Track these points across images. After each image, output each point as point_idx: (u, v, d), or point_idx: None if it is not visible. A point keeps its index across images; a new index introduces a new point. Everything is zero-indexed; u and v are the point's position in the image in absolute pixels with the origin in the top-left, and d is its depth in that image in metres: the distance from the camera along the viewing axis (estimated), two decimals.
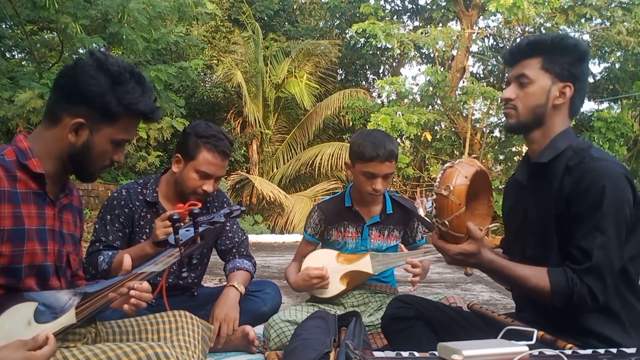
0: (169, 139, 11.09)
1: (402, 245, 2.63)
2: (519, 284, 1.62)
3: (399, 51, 11.68)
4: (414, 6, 14.85)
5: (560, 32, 11.69)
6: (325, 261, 2.53)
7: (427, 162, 12.28)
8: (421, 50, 13.20)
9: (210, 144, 2.30)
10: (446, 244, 1.61)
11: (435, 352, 1.36)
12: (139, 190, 2.40)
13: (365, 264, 2.48)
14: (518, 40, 12.48)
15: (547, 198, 1.65)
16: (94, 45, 7.83)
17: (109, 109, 1.46)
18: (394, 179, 12.40)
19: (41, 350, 1.23)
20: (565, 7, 11.04)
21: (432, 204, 1.58)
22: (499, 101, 11.22)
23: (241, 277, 2.44)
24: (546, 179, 1.67)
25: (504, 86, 12.73)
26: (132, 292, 1.53)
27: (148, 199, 2.37)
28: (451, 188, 1.52)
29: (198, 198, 2.33)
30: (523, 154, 1.84)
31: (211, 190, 2.34)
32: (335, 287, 2.49)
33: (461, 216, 1.54)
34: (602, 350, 1.43)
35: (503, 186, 11.82)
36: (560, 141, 1.67)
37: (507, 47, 12.91)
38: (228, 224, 2.56)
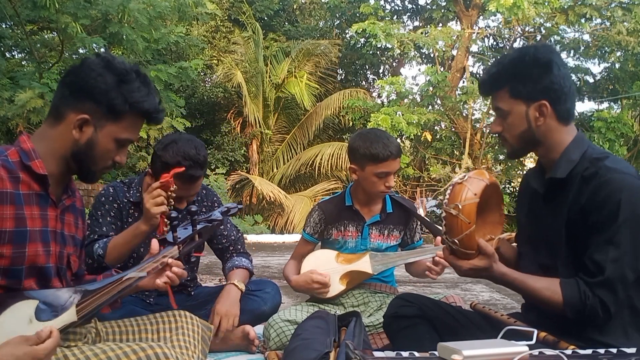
0: None
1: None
2: (532, 295, 1.62)
3: (399, 51, 11.67)
4: (414, 6, 14.85)
5: (560, 32, 11.72)
6: (324, 261, 2.53)
7: (427, 162, 12.27)
8: (421, 50, 13.19)
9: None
10: (458, 259, 1.60)
11: (436, 352, 1.36)
12: (125, 189, 2.42)
13: (364, 264, 2.48)
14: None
15: (561, 208, 1.63)
16: (94, 45, 7.84)
17: (114, 106, 1.46)
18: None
19: (43, 344, 1.22)
20: (565, 7, 11.04)
21: (443, 222, 1.56)
22: None
23: (240, 275, 2.46)
24: (562, 189, 1.65)
25: None
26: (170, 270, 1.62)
27: (132, 200, 2.39)
28: (460, 207, 1.51)
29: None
30: (536, 162, 1.82)
31: (184, 205, 2.35)
32: (335, 287, 2.50)
33: (471, 234, 1.53)
34: (602, 351, 1.43)
35: (503, 186, 11.85)
36: (573, 152, 1.64)
37: (506, 48, 12.92)
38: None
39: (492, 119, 12.37)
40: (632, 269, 1.53)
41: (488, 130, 12.07)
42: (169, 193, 2.05)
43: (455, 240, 1.55)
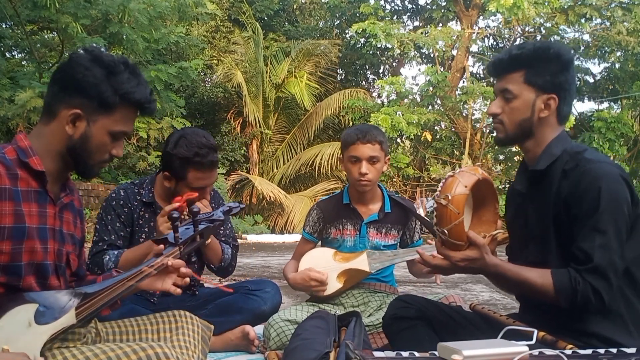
0: None
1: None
2: (524, 286, 1.63)
3: (399, 51, 11.70)
4: (414, 6, 14.86)
5: (560, 32, 11.73)
6: (322, 259, 2.53)
7: (427, 162, 12.29)
8: (421, 50, 13.21)
9: (196, 162, 2.25)
10: (449, 251, 1.63)
11: (436, 352, 1.36)
12: (136, 190, 2.41)
13: (362, 262, 2.48)
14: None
15: (546, 203, 1.66)
16: (94, 45, 7.84)
17: (104, 99, 1.46)
18: (394, 179, 12.41)
19: None
20: (565, 7, 11.05)
21: (434, 212, 1.60)
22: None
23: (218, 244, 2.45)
24: (544, 184, 1.68)
25: None
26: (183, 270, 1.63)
27: (144, 200, 2.38)
28: (449, 197, 1.55)
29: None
30: (520, 162, 1.85)
31: (209, 197, 2.37)
32: (332, 285, 2.49)
33: (460, 225, 1.56)
34: (602, 350, 1.43)
35: (503, 186, 11.86)
36: (555, 147, 1.68)
37: (507, 46, 12.92)
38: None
39: (490, 117, 12.45)
40: (619, 255, 1.55)
41: (488, 130, 12.08)
42: (182, 216, 2.03)
43: (445, 230, 1.58)
